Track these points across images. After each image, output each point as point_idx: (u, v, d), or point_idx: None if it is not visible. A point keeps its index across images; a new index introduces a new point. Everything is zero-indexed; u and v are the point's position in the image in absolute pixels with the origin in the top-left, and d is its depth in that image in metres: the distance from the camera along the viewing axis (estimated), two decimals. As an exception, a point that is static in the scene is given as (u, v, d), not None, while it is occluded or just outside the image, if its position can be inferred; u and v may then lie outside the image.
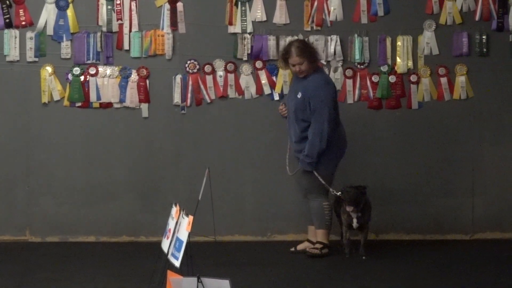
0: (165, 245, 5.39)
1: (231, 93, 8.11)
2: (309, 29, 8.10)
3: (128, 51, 8.04)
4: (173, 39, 8.05)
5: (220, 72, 8.10)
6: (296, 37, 7.95)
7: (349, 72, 8.09)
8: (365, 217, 7.22)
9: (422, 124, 8.19)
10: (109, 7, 7.99)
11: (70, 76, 8.00)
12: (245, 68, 8.10)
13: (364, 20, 8.13)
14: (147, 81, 8.05)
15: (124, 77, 8.03)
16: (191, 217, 4.96)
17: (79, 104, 8.03)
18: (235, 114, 8.13)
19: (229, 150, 8.13)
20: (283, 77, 8.06)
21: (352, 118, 7.81)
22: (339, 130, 7.32)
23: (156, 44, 8.04)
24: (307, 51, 7.34)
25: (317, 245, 7.32)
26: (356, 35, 8.10)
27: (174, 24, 8.03)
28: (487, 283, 6.31)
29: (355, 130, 7.79)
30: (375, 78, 8.13)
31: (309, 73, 7.31)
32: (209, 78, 8.08)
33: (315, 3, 8.08)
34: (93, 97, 8.02)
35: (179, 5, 8.05)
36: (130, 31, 8.02)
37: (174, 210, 5.32)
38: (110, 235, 8.06)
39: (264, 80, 8.10)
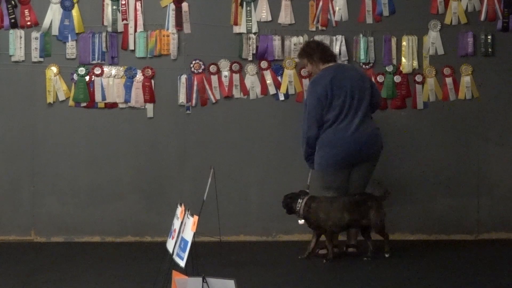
0: (170, 245, 5.39)
1: (236, 93, 8.11)
2: (314, 29, 8.10)
3: (133, 51, 8.05)
4: (178, 39, 8.06)
5: (225, 72, 8.10)
6: (306, 37, 8.03)
7: (354, 72, 8.09)
8: (309, 222, 7.20)
9: (427, 124, 8.18)
10: (114, 7, 8.00)
11: (75, 76, 8.01)
12: (250, 68, 8.10)
13: (369, 20, 8.13)
14: (152, 81, 8.06)
15: (129, 77, 8.04)
16: (196, 217, 4.96)
17: (84, 104, 8.04)
18: (240, 114, 8.13)
19: (234, 150, 8.13)
20: (288, 77, 8.05)
21: (357, 118, 7.82)
22: (330, 132, 7.18)
23: (161, 44, 8.04)
24: (304, 53, 7.41)
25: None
26: (361, 35, 8.10)
27: (179, 24, 8.04)
28: (492, 284, 6.30)
29: (360, 130, 7.78)
30: (380, 78, 8.13)
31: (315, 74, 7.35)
32: (214, 78, 8.09)
33: (320, 3, 8.08)
34: (98, 97, 8.03)
35: (184, 5, 8.05)
36: (135, 31, 8.03)
37: (179, 210, 5.33)
38: (115, 235, 8.07)
39: (269, 80, 8.11)
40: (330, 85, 7.17)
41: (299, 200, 7.15)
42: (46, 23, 7.99)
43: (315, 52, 7.36)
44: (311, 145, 7.24)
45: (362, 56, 8.10)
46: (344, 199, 7.12)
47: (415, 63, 8.15)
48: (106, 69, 8.03)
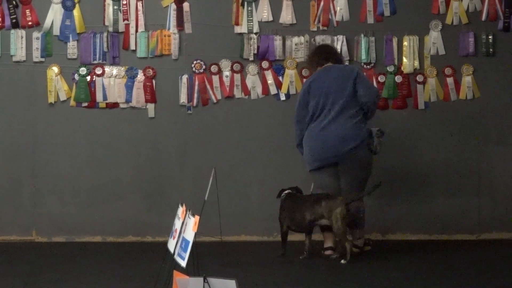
0: (171, 245, 5.39)
1: (237, 93, 8.11)
2: (315, 29, 8.11)
3: (134, 51, 8.05)
4: (180, 39, 8.06)
5: (226, 72, 8.10)
6: (307, 37, 8.07)
7: (355, 72, 8.09)
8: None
9: (428, 124, 8.18)
10: (115, 7, 8.00)
11: (76, 76, 8.01)
12: (251, 68, 8.10)
13: (370, 20, 8.13)
14: (154, 81, 8.06)
15: (131, 77, 8.04)
16: (197, 217, 4.95)
17: (85, 104, 8.04)
18: (241, 114, 8.14)
19: (235, 150, 8.13)
20: (290, 77, 8.06)
21: (358, 118, 7.82)
22: (306, 133, 7.24)
23: (162, 44, 8.05)
24: (307, 59, 7.60)
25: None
26: (362, 35, 8.10)
27: (180, 24, 8.04)
28: (493, 284, 6.29)
29: (361, 130, 7.79)
30: (381, 78, 8.13)
31: None
32: (215, 78, 8.09)
33: (321, 3, 8.09)
34: (99, 97, 8.03)
35: (186, 5, 8.06)
36: (136, 31, 8.04)
37: (180, 210, 5.32)
38: (116, 235, 8.08)
39: (270, 80, 8.11)
40: (308, 88, 7.25)
41: (282, 194, 7.22)
42: (47, 23, 7.99)
43: (313, 56, 7.45)
44: (301, 145, 7.34)
45: (363, 56, 8.10)
46: (307, 199, 7.09)
47: (416, 63, 8.15)
48: (107, 69, 8.04)
